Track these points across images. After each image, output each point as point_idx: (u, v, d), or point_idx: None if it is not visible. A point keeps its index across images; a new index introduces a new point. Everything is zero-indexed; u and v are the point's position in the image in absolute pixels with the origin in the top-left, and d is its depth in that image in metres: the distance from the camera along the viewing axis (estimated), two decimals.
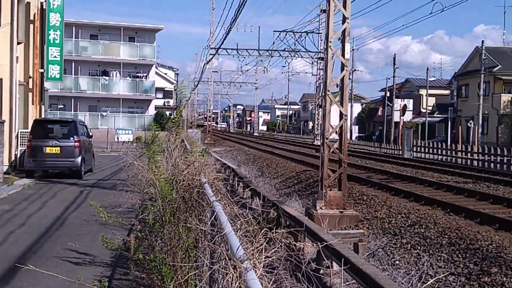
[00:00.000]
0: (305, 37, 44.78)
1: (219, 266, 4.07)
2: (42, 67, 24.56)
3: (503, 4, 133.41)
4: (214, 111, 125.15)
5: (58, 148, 20.22)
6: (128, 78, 54.89)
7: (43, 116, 25.21)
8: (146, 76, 55.90)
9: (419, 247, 10.91)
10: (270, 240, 4.26)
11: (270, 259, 3.81)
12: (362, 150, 42.63)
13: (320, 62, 47.28)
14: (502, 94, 52.22)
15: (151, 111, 55.99)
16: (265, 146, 45.31)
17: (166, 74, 76.82)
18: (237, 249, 3.60)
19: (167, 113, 57.76)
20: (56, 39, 25.24)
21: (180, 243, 6.26)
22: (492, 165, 28.46)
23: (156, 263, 5.95)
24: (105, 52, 53.38)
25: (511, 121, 49.75)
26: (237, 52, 48.03)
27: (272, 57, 48.34)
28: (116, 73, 54.26)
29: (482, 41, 49.04)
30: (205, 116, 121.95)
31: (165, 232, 6.56)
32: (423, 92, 64.92)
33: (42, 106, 25.34)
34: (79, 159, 20.38)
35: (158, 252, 6.44)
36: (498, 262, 9.14)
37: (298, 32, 44.50)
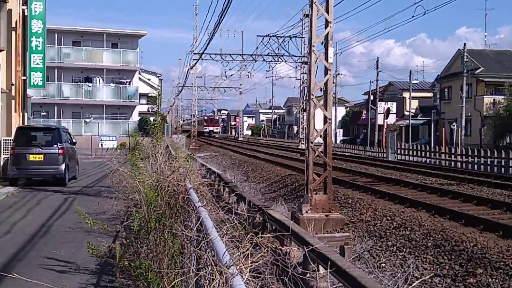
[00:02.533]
0: (288, 42, 45.05)
1: (205, 272, 4.06)
2: (24, 74, 24.39)
3: (484, 6, 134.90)
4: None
5: (42, 155, 20.09)
6: (111, 84, 54.63)
7: (26, 124, 25.03)
8: (130, 82, 55.68)
9: (404, 250, 10.96)
10: (256, 244, 4.26)
11: (256, 264, 3.80)
12: (346, 154, 42.78)
13: (304, 66, 47.42)
14: (484, 96, 52.64)
15: (135, 117, 55.76)
16: (250, 150, 45.30)
17: (149, 79, 76.56)
18: (223, 255, 3.60)
19: (151, 119, 57.54)
20: (39, 46, 25.11)
21: (165, 249, 6.23)
22: (475, 166, 28.68)
23: (142, 270, 5.92)
24: (88, 59, 53.10)
25: (494, 123, 50.15)
26: (221, 57, 48.10)
27: (256, 61, 48.54)
28: (99, 79, 54.00)
29: (464, 44, 49.37)
30: (209, 117, 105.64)
31: (150, 239, 6.53)
32: (406, 95, 65.30)
33: (25, 114, 25.15)
34: (63, 166, 20.25)
35: (143, 258, 6.40)
36: (483, 263, 9.20)
37: (281, 37, 44.72)
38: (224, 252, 3.63)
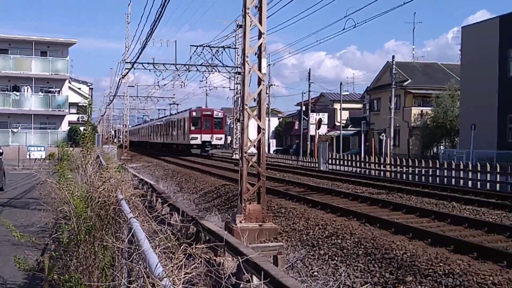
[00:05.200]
0: (222, 52, 45.09)
1: (137, 285, 3.98)
2: None
3: (412, 20, 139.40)
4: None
5: None
6: (40, 93, 53.23)
7: None
8: (59, 91, 54.40)
9: (336, 258, 11.08)
10: (190, 255, 4.21)
11: (190, 275, 3.76)
12: (280, 164, 43.06)
13: (238, 77, 47.57)
14: (412, 107, 54.18)
15: (65, 127, 54.52)
16: (184, 161, 44.99)
17: (80, 89, 75.11)
18: (155, 266, 3.54)
19: (81, 128, 56.37)
20: None
21: (96, 262, 6.10)
22: (404, 176, 29.40)
23: (71, 284, 5.77)
24: (16, 67, 51.54)
25: (421, 134, 51.65)
26: (154, 66, 47.69)
27: (189, 71, 48.33)
28: (28, 88, 52.50)
29: (393, 56, 50.67)
30: (203, 113, 51.83)
31: (80, 251, 6.38)
32: (337, 106, 66.52)
33: None
34: None
35: (73, 272, 6.24)
36: (413, 271, 9.40)
37: (215, 47, 44.73)
38: (157, 264, 3.57)
